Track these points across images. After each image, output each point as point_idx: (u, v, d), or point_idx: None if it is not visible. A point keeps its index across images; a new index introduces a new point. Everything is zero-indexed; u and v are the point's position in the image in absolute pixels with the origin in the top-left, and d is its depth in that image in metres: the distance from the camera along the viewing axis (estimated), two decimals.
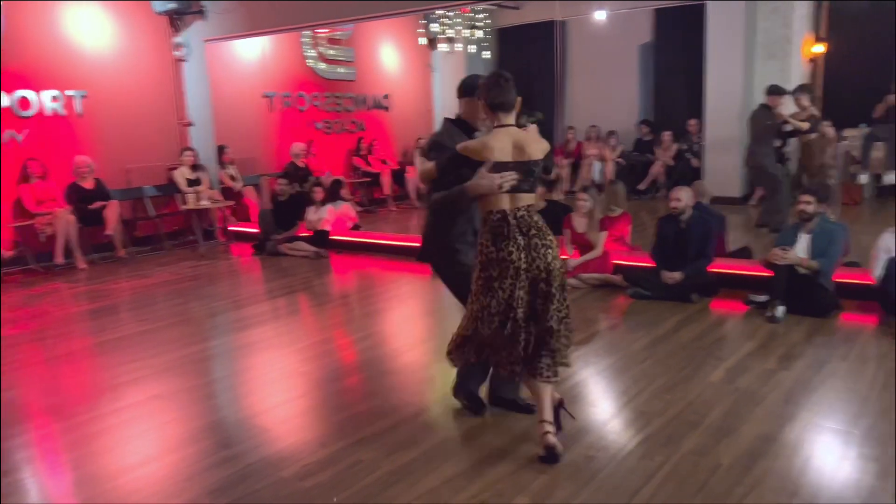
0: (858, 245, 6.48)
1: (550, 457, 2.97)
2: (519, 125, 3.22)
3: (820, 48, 10.27)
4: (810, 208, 5.10)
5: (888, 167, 9.08)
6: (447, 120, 3.41)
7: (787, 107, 7.90)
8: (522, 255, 2.94)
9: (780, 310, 4.85)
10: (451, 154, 3.07)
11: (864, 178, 9.26)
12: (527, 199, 3.03)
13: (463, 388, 3.52)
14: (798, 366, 4.02)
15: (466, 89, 3.32)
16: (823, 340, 4.47)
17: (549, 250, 2.99)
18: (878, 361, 4.04)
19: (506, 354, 3.03)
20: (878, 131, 9.22)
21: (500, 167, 2.94)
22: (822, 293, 4.93)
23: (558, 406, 3.18)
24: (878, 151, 9.34)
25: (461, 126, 3.35)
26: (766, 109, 7.70)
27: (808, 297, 4.91)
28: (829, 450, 3.08)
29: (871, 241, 5.22)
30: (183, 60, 9.04)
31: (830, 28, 10.32)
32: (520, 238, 2.95)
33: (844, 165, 9.45)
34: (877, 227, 7.01)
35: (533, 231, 2.98)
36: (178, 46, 8.97)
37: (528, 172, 3.00)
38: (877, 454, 2.97)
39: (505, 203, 2.98)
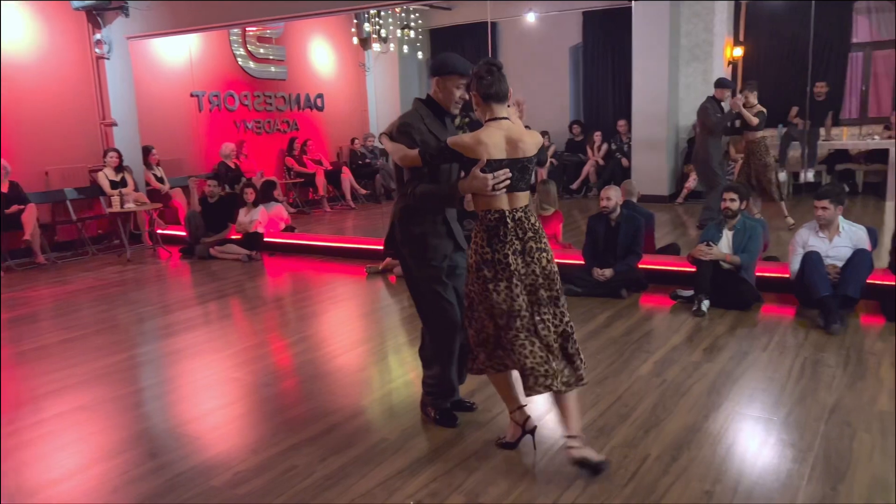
0: (777, 240, 6.79)
1: (595, 468, 2.83)
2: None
3: (739, 51, 10.69)
4: (735, 206, 5.29)
5: (805, 166, 9.52)
6: (418, 100, 3.22)
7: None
8: (519, 260, 2.83)
9: (705, 304, 5.03)
10: (441, 146, 2.92)
11: (782, 177, 9.68)
12: (524, 198, 2.90)
13: (433, 405, 3.42)
14: (722, 357, 4.18)
15: (438, 68, 3.14)
16: (745, 332, 4.65)
17: (544, 254, 2.89)
18: (796, 351, 4.23)
19: (511, 361, 2.87)
20: (794, 131, 9.69)
21: (494, 165, 2.81)
22: (744, 287, 5.13)
23: (531, 432, 3.08)
24: (795, 150, 9.79)
25: (432, 107, 3.19)
26: (714, 102, 7.81)
27: (730, 291, 5.11)
28: (750, 437, 3.20)
29: (789, 237, 5.46)
30: (104, 58, 8.72)
31: (748, 31, 10.75)
32: (517, 242, 2.84)
33: None
34: (794, 223, 7.36)
35: (529, 234, 2.86)
36: (98, 44, 8.65)
37: (522, 170, 2.87)
38: (794, 439, 3.11)
39: (503, 203, 2.85)
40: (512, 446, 3.09)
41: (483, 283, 2.86)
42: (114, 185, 8.39)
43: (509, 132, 2.88)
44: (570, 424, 2.89)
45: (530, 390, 2.82)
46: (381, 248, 7.26)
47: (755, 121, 7.57)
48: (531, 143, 2.92)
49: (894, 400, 3.48)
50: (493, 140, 2.85)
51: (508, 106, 2.98)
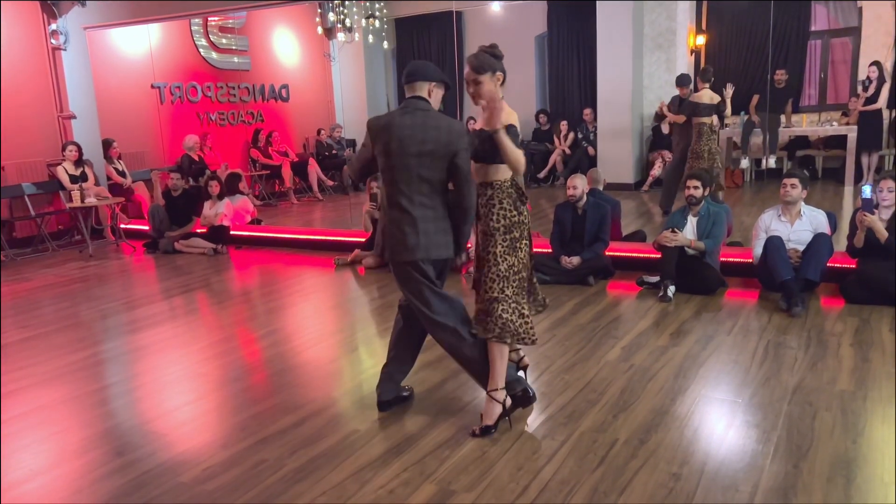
0: (741, 226, 6.91)
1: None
2: None
3: (701, 40, 10.82)
4: (698, 193, 5.36)
5: (767, 152, 9.71)
6: (426, 102, 3.21)
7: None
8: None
9: (671, 289, 5.10)
10: (515, 130, 3.06)
11: (744, 163, 9.87)
12: None
13: (388, 405, 3.45)
14: (687, 341, 4.24)
15: (441, 77, 3.23)
16: (710, 317, 4.73)
17: None
18: (759, 334, 4.32)
19: (525, 310, 3.15)
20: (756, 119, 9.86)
21: (513, 132, 3.05)
22: (709, 272, 5.21)
23: (509, 413, 3.20)
24: (757, 138, 9.96)
25: None
26: (676, 99, 8.00)
27: (695, 277, 5.18)
28: (716, 419, 3.26)
29: (752, 222, 5.55)
30: (61, 49, 8.50)
31: (710, 20, 10.89)
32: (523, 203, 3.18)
33: (727, 151, 10.04)
34: (757, 209, 7.50)
35: None
36: (54, 34, 8.43)
37: None
38: (758, 420, 3.17)
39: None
40: (492, 430, 3.11)
41: (512, 243, 3.11)
42: (74, 179, 8.20)
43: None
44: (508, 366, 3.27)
45: (521, 340, 3.12)
46: (350, 239, 7.26)
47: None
48: None
49: (853, 379, 3.57)
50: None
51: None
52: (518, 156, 3.01)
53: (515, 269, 3.12)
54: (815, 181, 9.86)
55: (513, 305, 3.11)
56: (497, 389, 3.13)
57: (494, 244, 3.10)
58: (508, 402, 3.17)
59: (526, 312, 3.14)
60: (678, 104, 7.94)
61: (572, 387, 3.63)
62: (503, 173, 3.09)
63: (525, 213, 3.17)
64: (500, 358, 3.14)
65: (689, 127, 7.87)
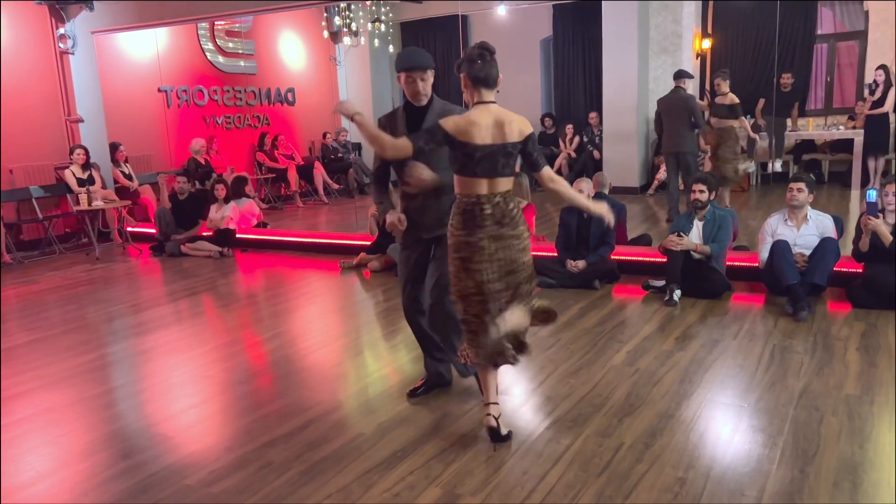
0: (746, 230, 6.90)
1: (494, 436, 3.07)
2: None
3: (707, 43, 10.80)
4: (704, 196, 5.35)
5: (772, 156, 9.68)
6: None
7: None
8: (493, 246, 2.86)
9: (676, 293, 5.09)
10: (431, 128, 2.88)
11: (750, 167, 9.84)
12: (505, 184, 2.90)
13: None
14: (693, 346, 4.23)
15: (395, 65, 3.32)
16: (716, 321, 4.71)
17: (516, 241, 2.91)
18: (765, 338, 4.30)
19: (476, 339, 2.95)
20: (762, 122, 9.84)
21: (482, 150, 2.82)
22: (715, 276, 5.20)
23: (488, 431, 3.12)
24: (763, 141, 9.94)
25: (406, 107, 3.34)
26: (678, 91, 7.90)
27: (701, 281, 5.17)
28: (722, 423, 3.25)
29: (758, 226, 5.53)
30: (69, 53, 8.55)
31: (716, 23, 10.88)
32: (491, 227, 2.85)
33: None
34: (762, 213, 7.49)
35: (506, 220, 2.87)
36: (62, 38, 8.48)
37: (507, 155, 2.89)
38: (764, 425, 3.16)
39: (482, 188, 2.86)
40: (500, 434, 3.11)
41: (463, 263, 2.90)
42: (81, 182, 8.24)
43: (497, 115, 2.90)
44: (488, 393, 3.12)
45: (484, 359, 2.98)
46: (355, 242, 7.27)
47: (733, 122, 7.77)
48: (517, 128, 2.92)
49: (860, 384, 3.55)
50: (484, 122, 2.85)
51: (497, 92, 2.99)
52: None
53: (467, 293, 2.96)
54: (822, 185, 9.83)
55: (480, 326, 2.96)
56: (489, 404, 3.11)
57: (449, 262, 3.02)
58: (489, 422, 3.07)
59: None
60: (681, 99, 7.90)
61: (577, 391, 3.62)
62: (464, 186, 2.91)
63: (482, 238, 2.90)
64: (489, 374, 3.10)
65: (685, 129, 7.88)
